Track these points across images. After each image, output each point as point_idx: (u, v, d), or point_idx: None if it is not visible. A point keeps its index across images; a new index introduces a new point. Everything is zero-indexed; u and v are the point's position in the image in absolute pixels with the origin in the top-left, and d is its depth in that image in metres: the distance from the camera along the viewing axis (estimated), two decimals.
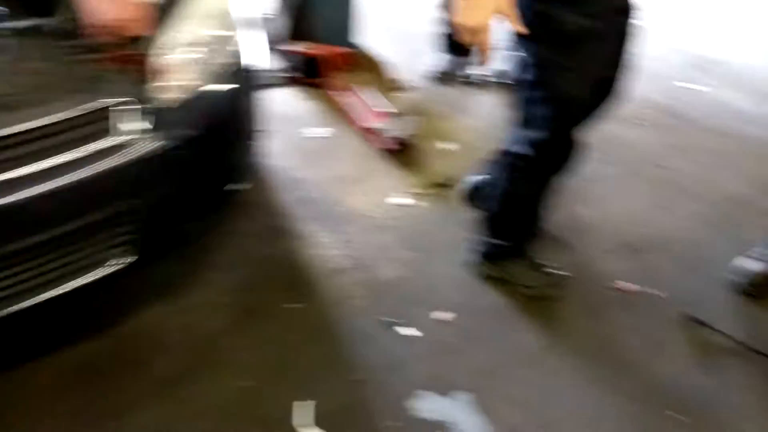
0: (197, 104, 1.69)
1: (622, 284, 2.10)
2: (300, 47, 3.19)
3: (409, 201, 2.47)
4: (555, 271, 2.06)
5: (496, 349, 1.89)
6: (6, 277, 1.52)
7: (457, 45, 3.37)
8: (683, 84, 3.36)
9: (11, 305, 1.55)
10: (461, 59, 3.41)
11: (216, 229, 2.25)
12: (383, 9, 4.12)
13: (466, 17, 1.29)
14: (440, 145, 2.82)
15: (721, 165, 2.72)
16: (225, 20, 1.87)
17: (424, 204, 2.46)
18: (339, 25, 3.30)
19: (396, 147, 2.71)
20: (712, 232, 2.35)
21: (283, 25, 3.30)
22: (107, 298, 1.87)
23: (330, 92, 3.11)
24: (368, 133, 2.80)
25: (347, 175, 2.62)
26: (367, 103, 2.96)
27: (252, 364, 1.82)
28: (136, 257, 1.70)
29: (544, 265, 2.06)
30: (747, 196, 2.53)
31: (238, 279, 2.10)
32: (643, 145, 2.84)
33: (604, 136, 2.88)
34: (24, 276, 1.55)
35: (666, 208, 2.46)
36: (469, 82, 3.32)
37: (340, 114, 3.01)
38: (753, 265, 2.07)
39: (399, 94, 3.23)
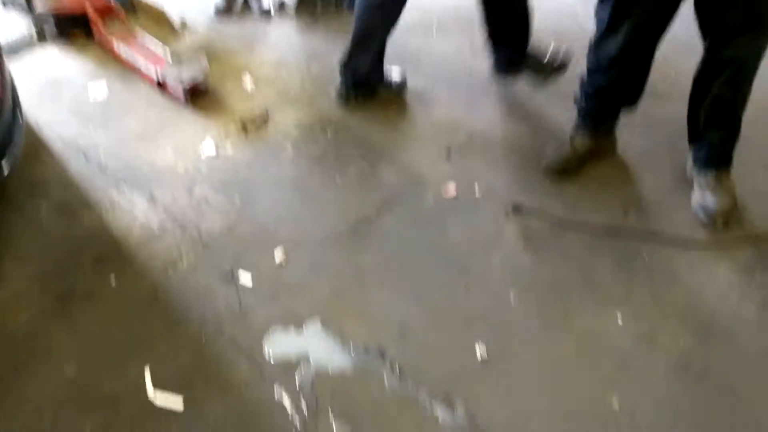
0: None
1: (447, 189, 2.16)
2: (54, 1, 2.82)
3: (218, 147, 2.33)
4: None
5: (335, 274, 1.87)
6: None
7: None
8: None
9: None
10: None
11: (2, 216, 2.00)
12: None
13: None
14: (238, 83, 2.68)
15: None
16: None
17: (233, 147, 2.34)
18: None
19: (191, 93, 2.52)
20: (522, 124, 2.47)
21: None
22: None
23: (108, 45, 2.81)
24: (159, 82, 2.58)
25: (145, 131, 2.40)
26: (153, 51, 2.71)
27: (81, 347, 1.66)
28: None
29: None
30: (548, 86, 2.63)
31: (42, 265, 1.87)
32: (447, 54, 2.90)
33: (409, 50, 2.89)
34: None
35: (476, 109, 2.55)
36: (256, 14, 3.17)
37: (125, 66, 2.74)
38: (558, 149, 2.22)
39: (185, 37, 3.00)
